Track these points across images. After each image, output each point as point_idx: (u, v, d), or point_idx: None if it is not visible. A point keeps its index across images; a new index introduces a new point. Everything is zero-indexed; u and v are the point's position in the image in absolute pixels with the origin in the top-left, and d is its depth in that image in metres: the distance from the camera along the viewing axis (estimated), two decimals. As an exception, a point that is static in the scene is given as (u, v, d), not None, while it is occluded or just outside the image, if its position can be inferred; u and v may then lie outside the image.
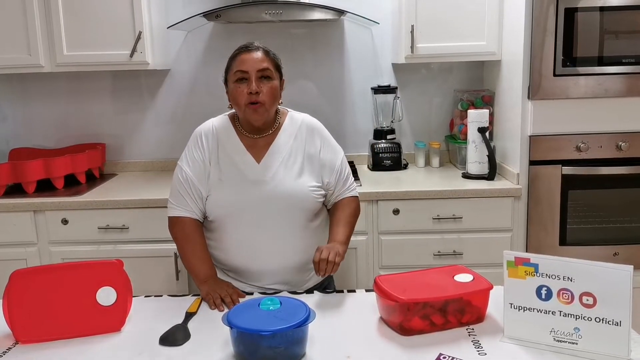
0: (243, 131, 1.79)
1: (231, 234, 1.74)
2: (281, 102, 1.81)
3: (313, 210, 1.78)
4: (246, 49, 1.73)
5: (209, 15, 2.62)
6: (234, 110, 1.80)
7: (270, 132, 1.79)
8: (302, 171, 1.77)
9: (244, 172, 1.74)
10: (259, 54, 1.71)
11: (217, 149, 1.77)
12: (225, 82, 1.77)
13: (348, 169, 1.89)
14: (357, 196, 1.90)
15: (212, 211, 1.74)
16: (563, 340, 1.27)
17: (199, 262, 1.73)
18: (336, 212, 1.83)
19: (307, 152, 1.79)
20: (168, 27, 2.83)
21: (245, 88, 1.68)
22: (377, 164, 2.91)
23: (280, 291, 1.70)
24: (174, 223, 1.77)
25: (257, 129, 1.77)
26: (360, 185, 2.57)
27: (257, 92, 1.68)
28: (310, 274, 1.83)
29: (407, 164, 2.99)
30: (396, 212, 2.49)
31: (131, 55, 2.65)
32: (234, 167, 1.75)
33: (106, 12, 2.63)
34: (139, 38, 2.64)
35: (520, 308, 1.31)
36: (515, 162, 2.53)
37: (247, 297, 1.61)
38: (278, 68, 1.76)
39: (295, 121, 1.83)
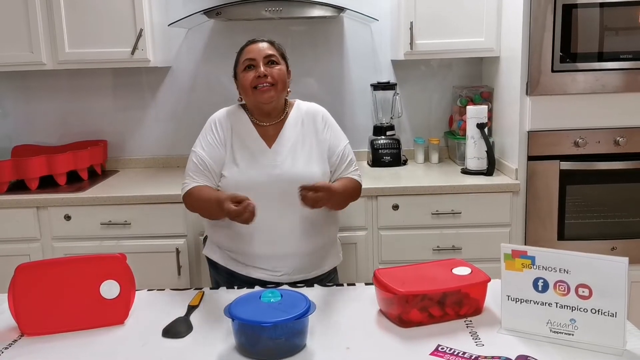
0: (254, 119, 1.86)
1: None
2: (289, 92, 1.88)
3: None
4: (252, 41, 1.85)
5: (209, 12, 2.63)
6: (244, 102, 1.89)
7: (279, 120, 1.86)
8: (310, 156, 1.83)
9: (256, 156, 1.81)
10: (264, 44, 1.82)
11: (231, 133, 1.84)
12: (235, 76, 1.86)
13: (352, 157, 1.93)
14: (359, 181, 1.92)
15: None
16: (559, 331, 1.29)
17: (212, 196, 1.71)
18: (337, 181, 1.86)
19: (314, 136, 1.87)
20: (169, 25, 2.84)
21: (253, 73, 1.77)
22: (377, 160, 2.93)
23: (282, 284, 1.72)
24: (187, 195, 1.82)
25: (266, 114, 1.84)
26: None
27: (265, 74, 1.76)
28: (320, 260, 1.88)
29: (407, 160, 3.01)
30: (395, 207, 2.51)
31: (132, 52, 2.67)
32: (247, 151, 1.82)
33: (107, 9, 2.65)
34: (140, 35, 2.66)
35: (517, 300, 1.33)
36: (513, 158, 2.55)
37: (249, 291, 1.63)
38: (284, 57, 1.85)
39: (301, 109, 1.91)
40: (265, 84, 1.77)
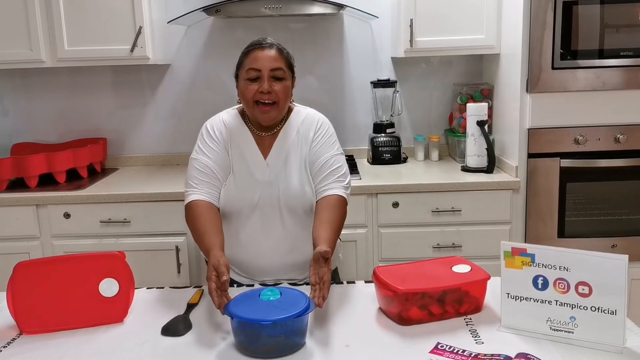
0: (251, 127, 1.78)
1: (236, 230, 1.75)
2: (292, 100, 1.79)
3: (311, 208, 1.75)
4: (260, 45, 1.68)
5: (208, 9, 2.63)
6: (241, 105, 1.77)
7: (276, 130, 1.77)
8: (300, 168, 1.74)
9: (252, 169, 1.74)
10: (272, 52, 1.67)
11: (229, 141, 1.76)
12: (236, 77, 1.74)
13: (341, 166, 1.76)
14: (344, 197, 1.72)
15: (221, 206, 1.74)
16: (559, 329, 1.29)
17: (205, 236, 1.58)
18: (322, 212, 1.66)
19: (305, 146, 1.76)
20: (168, 22, 2.83)
21: (256, 86, 1.66)
22: (377, 158, 2.92)
23: (280, 282, 1.72)
24: (188, 208, 1.68)
25: (265, 127, 1.76)
26: (360, 179, 2.59)
27: (269, 91, 1.65)
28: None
29: (407, 157, 3.01)
30: (395, 205, 2.51)
31: (132, 50, 2.67)
32: (244, 163, 1.74)
33: (107, 7, 2.65)
34: (139, 33, 2.65)
35: (517, 298, 1.33)
36: (514, 155, 2.54)
37: (248, 289, 1.63)
38: (291, 67, 1.73)
39: (300, 116, 1.80)
40: (267, 101, 1.67)
